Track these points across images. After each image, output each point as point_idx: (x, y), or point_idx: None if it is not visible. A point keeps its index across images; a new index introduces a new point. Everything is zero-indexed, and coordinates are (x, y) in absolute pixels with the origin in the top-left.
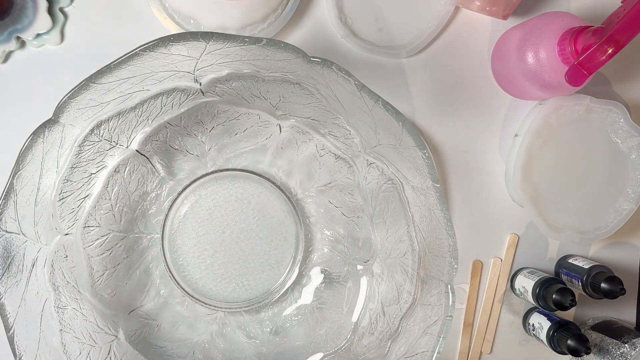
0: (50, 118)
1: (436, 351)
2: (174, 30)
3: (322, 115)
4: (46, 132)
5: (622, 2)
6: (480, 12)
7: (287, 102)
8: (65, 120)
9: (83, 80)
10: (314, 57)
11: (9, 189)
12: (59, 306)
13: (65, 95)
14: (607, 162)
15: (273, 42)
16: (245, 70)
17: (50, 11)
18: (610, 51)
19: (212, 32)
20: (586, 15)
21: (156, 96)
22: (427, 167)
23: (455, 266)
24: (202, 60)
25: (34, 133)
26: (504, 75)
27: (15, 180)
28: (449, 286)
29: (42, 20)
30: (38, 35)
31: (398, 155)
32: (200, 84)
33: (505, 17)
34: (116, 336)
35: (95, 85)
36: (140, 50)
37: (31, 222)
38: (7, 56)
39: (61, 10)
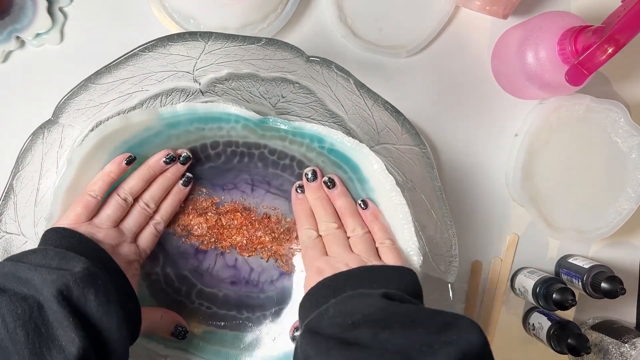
0: (50, 119)
1: None
2: (174, 29)
3: (321, 115)
4: (45, 133)
5: (622, 2)
6: (480, 11)
7: (287, 101)
8: (65, 120)
9: (82, 81)
10: (313, 57)
11: (9, 190)
12: None
13: (64, 95)
14: (607, 162)
15: (272, 41)
16: (245, 70)
17: (50, 11)
18: (610, 51)
19: (211, 32)
20: (586, 14)
21: (155, 96)
22: (426, 165)
23: (456, 265)
24: (201, 60)
25: (33, 134)
26: (504, 75)
27: (15, 181)
28: (449, 284)
29: (42, 19)
30: (38, 34)
31: (398, 154)
32: (200, 84)
33: (505, 17)
34: None
35: (94, 85)
36: (139, 50)
37: (31, 222)
38: (7, 56)
39: (61, 9)
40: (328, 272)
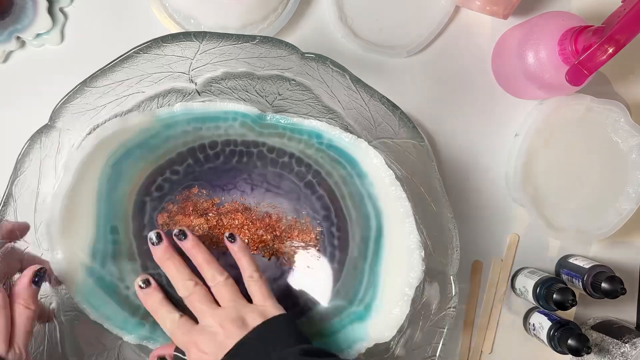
0: (47, 123)
1: (441, 342)
2: (175, 30)
3: (318, 112)
4: (43, 138)
5: (622, 2)
6: (480, 11)
7: (283, 99)
8: (62, 125)
9: (78, 85)
10: (308, 53)
11: (8, 196)
12: (64, 310)
13: (61, 100)
14: (607, 162)
15: (266, 39)
16: (240, 69)
17: (50, 11)
18: (610, 51)
19: (205, 32)
20: (586, 15)
21: (152, 98)
22: (425, 158)
23: (457, 257)
24: (196, 60)
25: (30, 139)
26: (504, 75)
27: (14, 187)
28: (451, 277)
29: (42, 20)
30: (38, 35)
31: (396, 149)
32: (196, 84)
33: (505, 17)
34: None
35: (90, 89)
36: (133, 52)
37: (31, 228)
38: (7, 56)
39: (61, 10)
40: (210, 349)
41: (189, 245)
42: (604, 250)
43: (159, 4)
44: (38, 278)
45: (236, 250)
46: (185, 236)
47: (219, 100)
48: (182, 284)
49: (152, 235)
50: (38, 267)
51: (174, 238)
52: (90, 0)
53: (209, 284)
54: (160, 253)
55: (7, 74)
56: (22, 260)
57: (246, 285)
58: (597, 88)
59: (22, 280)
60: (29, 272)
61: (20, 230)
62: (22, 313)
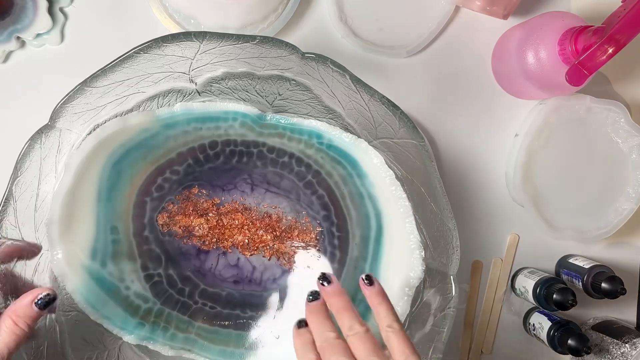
0: (47, 123)
1: (441, 343)
2: (175, 30)
3: (318, 112)
4: (43, 138)
5: (622, 2)
6: (480, 12)
7: (284, 99)
8: (62, 125)
9: (78, 85)
10: (308, 53)
11: (8, 196)
12: (64, 310)
13: (61, 100)
14: (607, 162)
15: (266, 39)
16: (240, 69)
17: (50, 11)
18: (610, 51)
19: (205, 32)
20: (586, 15)
21: (152, 98)
22: (425, 158)
23: (457, 257)
24: (196, 60)
25: (31, 139)
26: (504, 75)
27: (14, 187)
28: (451, 277)
29: (42, 20)
30: (38, 35)
31: (397, 149)
32: (196, 84)
33: (505, 17)
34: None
35: (90, 89)
36: (134, 52)
37: (32, 228)
38: (7, 56)
39: (61, 10)
40: None
41: (330, 292)
42: (604, 250)
43: (159, 4)
44: (41, 301)
45: (373, 295)
46: (329, 282)
47: (219, 100)
48: (323, 335)
49: (309, 295)
50: (47, 291)
51: (317, 282)
52: (91, 0)
53: (345, 333)
54: (311, 310)
55: (7, 74)
56: (23, 286)
57: (383, 335)
58: (597, 88)
59: (25, 298)
60: (34, 292)
61: (29, 252)
62: (9, 327)
